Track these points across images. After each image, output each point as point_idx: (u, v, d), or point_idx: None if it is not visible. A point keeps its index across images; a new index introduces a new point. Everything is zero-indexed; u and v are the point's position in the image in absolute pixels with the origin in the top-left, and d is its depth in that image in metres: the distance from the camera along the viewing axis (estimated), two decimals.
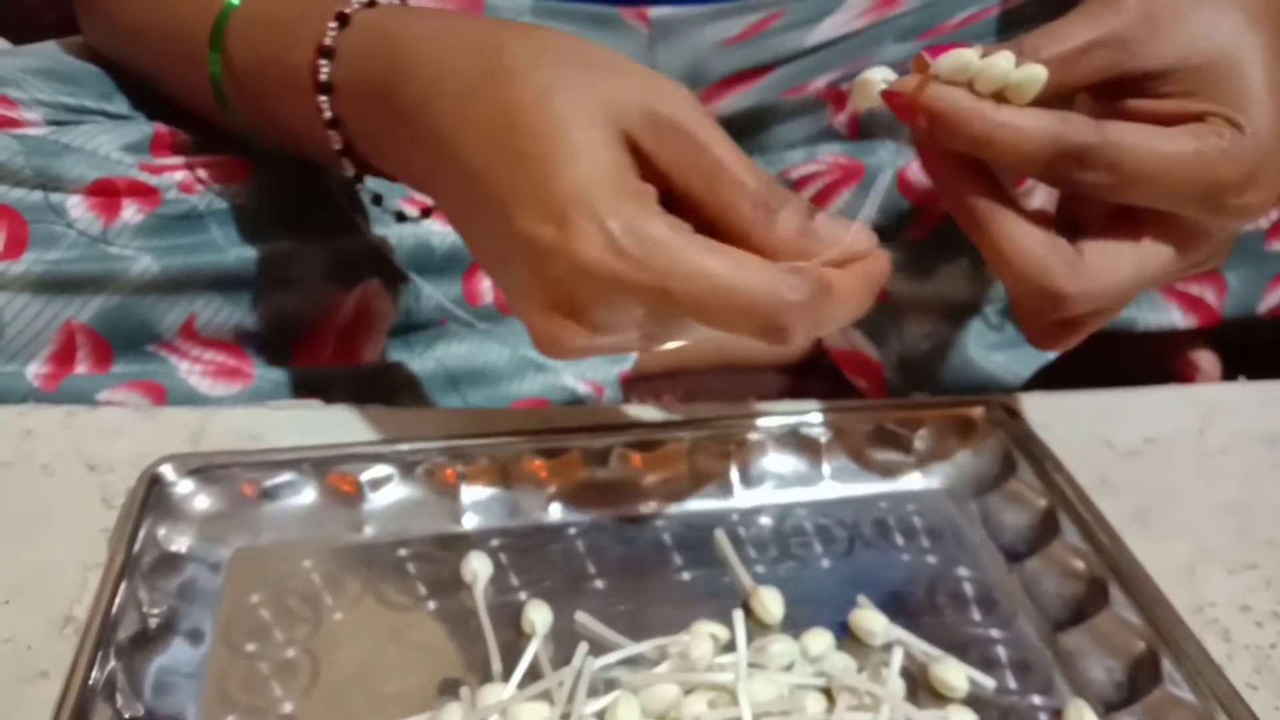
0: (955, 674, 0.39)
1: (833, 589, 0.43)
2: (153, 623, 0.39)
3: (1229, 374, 0.67)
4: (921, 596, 0.43)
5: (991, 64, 0.37)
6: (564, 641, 0.40)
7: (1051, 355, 0.64)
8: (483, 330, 0.60)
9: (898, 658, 0.39)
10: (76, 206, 0.49)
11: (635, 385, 0.65)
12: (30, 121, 0.50)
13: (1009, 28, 0.62)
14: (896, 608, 0.42)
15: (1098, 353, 0.63)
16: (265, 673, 0.39)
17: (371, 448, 0.46)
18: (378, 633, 0.40)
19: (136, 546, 0.40)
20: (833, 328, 0.36)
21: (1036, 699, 0.39)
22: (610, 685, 0.38)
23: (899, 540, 0.46)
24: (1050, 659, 0.41)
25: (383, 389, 0.57)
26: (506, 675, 0.38)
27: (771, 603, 0.41)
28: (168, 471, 0.44)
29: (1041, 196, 0.46)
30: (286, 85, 0.45)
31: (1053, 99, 0.39)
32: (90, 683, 0.35)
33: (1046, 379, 0.63)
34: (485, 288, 0.60)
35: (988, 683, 0.39)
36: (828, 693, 0.38)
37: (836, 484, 0.48)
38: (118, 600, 0.38)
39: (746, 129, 0.64)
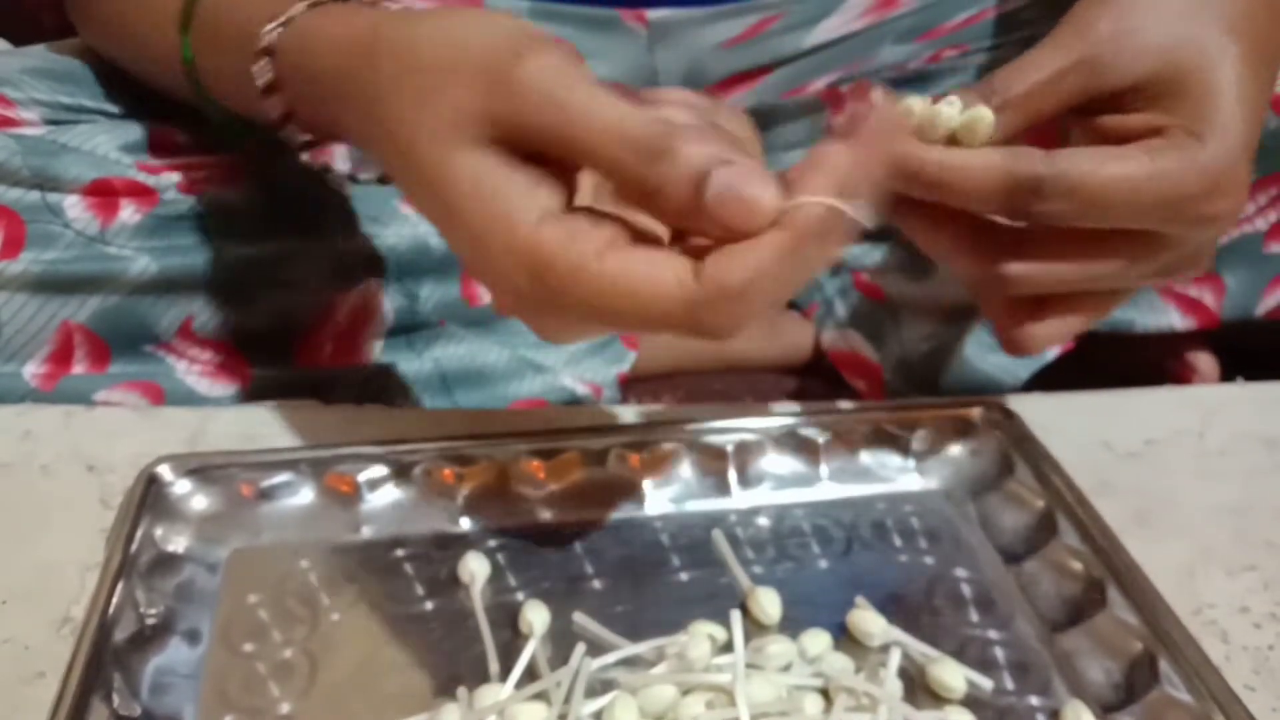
0: (953, 675, 0.39)
1: (830, 590, 0.43)
2: (150, 623, 0.39)
3: (1227, 376, 0.67)
4: (919, 597, 0.43)
5: (934, 111, 0.39)
6: (562, 642, 0.40)
7: (1050, 356, 0.64)
8: (481, 331, 0.60)
9: (895, 658, 0.39)
10: (74, 206, 0.49)
11: (633, 386, 0.65)
12: (28, 121, 0.50)
13: (1006, 29, 0.62)
14: (894, 608, 0.42)
15: (1096, 354, 0.63)
16: (263, 673, 0.39)
17: (369, 448, 0.46)
18: (375, 633, 0.40)
19: (134, 547, 0.40)
20: (765, 312, 0.33)
21: (1034, 700, 0.39)
22: (608, 686, 0.38)
23: (897, 541, 0.46)
24: (1048, 660, 0.40)
25: (380, 389, 0.57)
26: (504, 676, 0.38)
27: (769, 603, 0.41)
28: (165, 472, 0.44)
29: None
30: (233, 56, 0.44)
31: (1029, 128, 0.40)
32: (88, 683, 0.35)
33: (1045, 380, 0.63)
34: (484, 289, 0.60)
35: (985, 684, 0.39)
36: (825, 693, 0.38)
37: (834, 485, 0.48)
38: (115, 600, 0.38)
39: None
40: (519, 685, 0.37)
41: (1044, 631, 0.42)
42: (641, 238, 0.33)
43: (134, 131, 0.52)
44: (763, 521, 0.46)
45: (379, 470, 0.45)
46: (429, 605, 0.42)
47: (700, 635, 0.39)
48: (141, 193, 0.50)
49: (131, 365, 0.52)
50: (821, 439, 0.48)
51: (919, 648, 0.40)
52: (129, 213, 0.50)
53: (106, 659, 0.36)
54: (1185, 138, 0.38)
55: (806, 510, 0.47)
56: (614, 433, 0.47)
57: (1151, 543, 0.44)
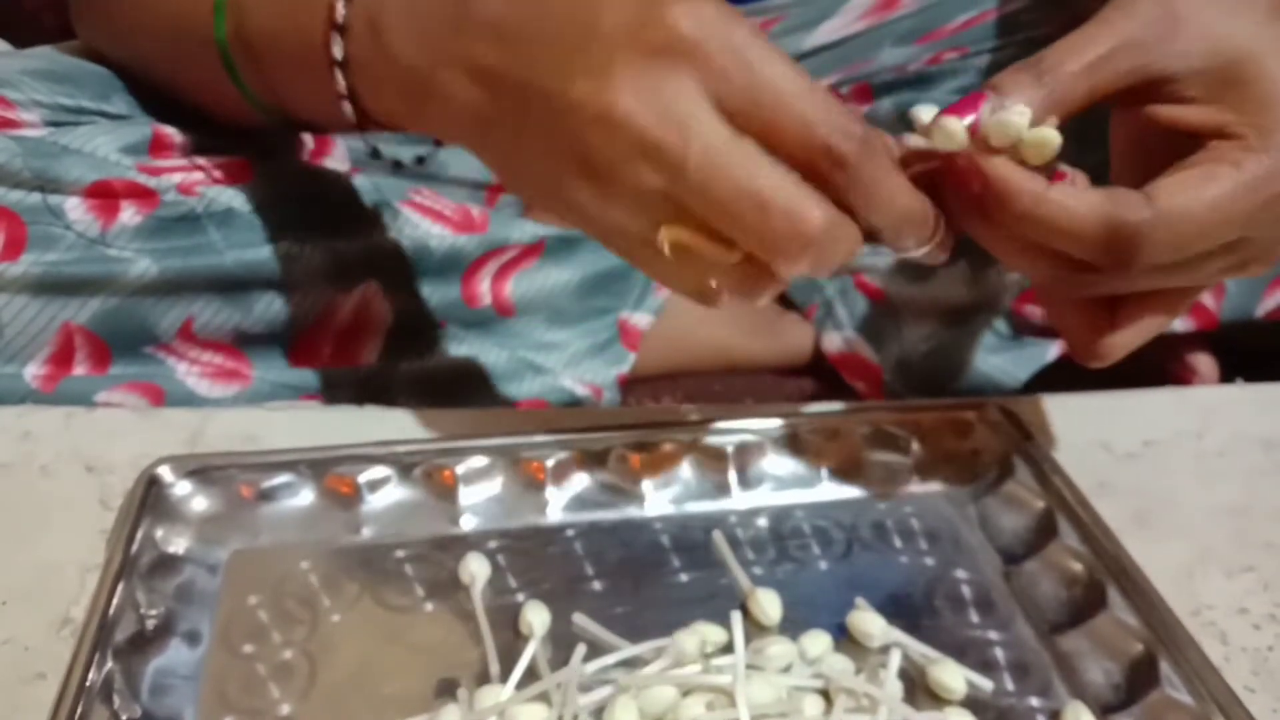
0: (953, 676, 0.39)
1: (831, 591, 0.43)
2: (150, 624, 0.39)
3: (1226, 377, 0.67)
4: (919, 598, 0.43)
5: (1001, 121, 0.37)
6: (562, 643, 0.40)
7: (1049, 357, 0.64)
8: (480, 332, 0.60)
9: (895, 660, 0.39)
10: (75, 208, 0.49)
11: (633, 387, 0.65)
12: (28, 123, 0.50)
13: (1007, 31, 0.62)
14: (894, 610, 0.42)
15: None
16: (263, 674, 0.39)
17: (369, 449, 0.46)
18: (375, 634, 0.40)
19: (134, 548, 0.40)
20: (868, 188, 0.35)
21: (1034, 701, 0.39)
22: (608, 687, 0.38)
23: (897, 542, 0.46)
24: (1048, 661, 0.40)
25: (381, 390, 0.57)
26: (504, 677, 0.38)
27: (769, 604, 0.41)
28: (166, 473, 0.44)
29: None
30: (295, 34, 0.44)
31: (1079, 112, 0.39)
32: (87, 684, 0.35)
33: (1044, 382, 0.63)
34: (483, 290, 0.60)
35: (986, 685, 0.39)
36: (826, 694, 0.38)
37: (834, 486, 0.48)
38: (115, 601, 0.38)
39: None
40: (519, 686, 0.38)
41: (1044, 632, 0.42)
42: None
43: (134, 133, 0.52)
44: (763, 522, 0.46)
45: (379, 471, 0.45)
46: (429, 606, 0.42)
47: (692, 632, 0.39)
48: (142, 194, 0.50)
49: (132, 366, 0.52)
50: (821, 440, 0.48)
51: (919, 649, 0.40)
52: (129, 214, 0.50)
53: (106, 660, 0.36)
54: (1258, 137, 0.38)
55: (806, 511, 0.47)
56: (614, 434, 0.47)
57: (1151, 544, 0.44)
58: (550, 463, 0.46)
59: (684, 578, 0.43)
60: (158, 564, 0.41)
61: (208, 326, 0.52)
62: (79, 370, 0.51)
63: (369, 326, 0.57)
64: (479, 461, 0.46)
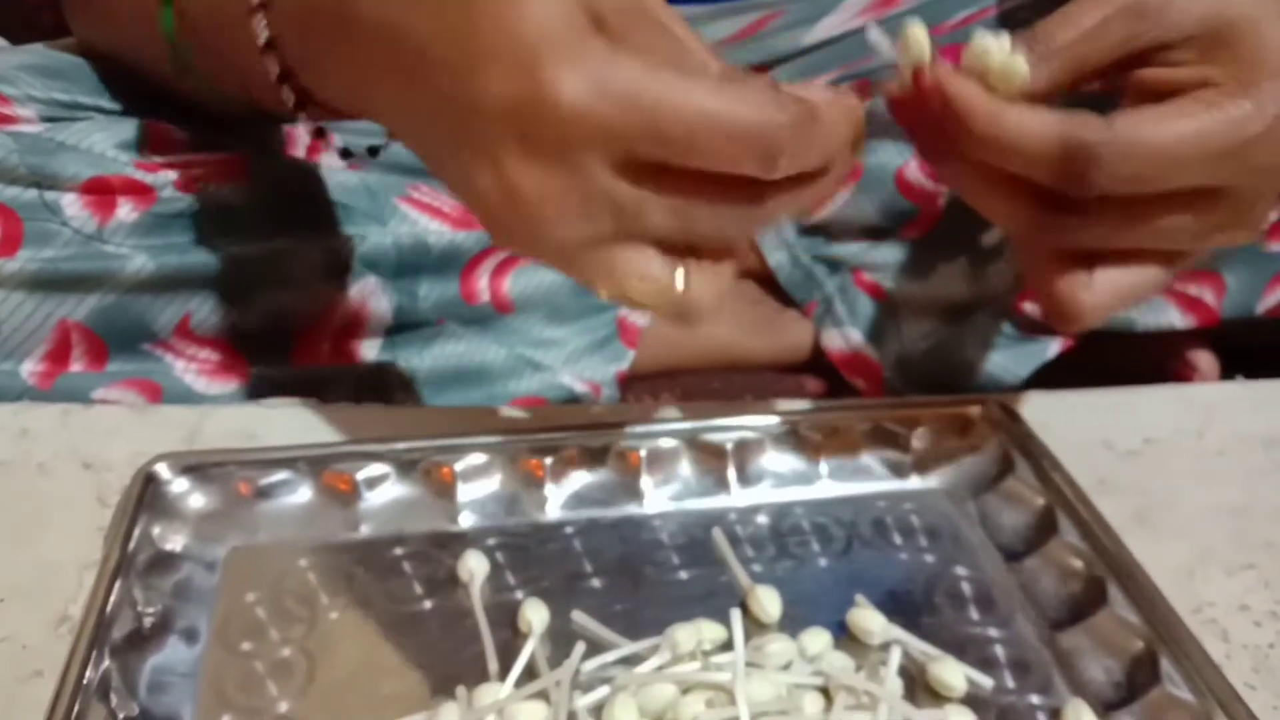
0: (953, 673, 0.39)
1: (830, 588, 0.43)
2: (148, 622, 0.39)
3: (1227, 374, 0.67)
4: (919, 596, 0.43)
5: (981, 46, 0.38)
6: (561, 640, 0.40)
7: (1050, 354, 0.64)
8: (479, 329, 0.60)
9: (895, 657, 0.39)
10: (71, 204, 0.49)
11: (632, 384, 0.65)
12: (24, 118, 0.50)
13: (1007, 28, 0.62)
14: (894, 607, 0.41)
15: (1096, 353, 0.63)
16: (261, 672, 0.38)
17: (367, 446, 0.45)
18: (374, 632, 0.40)
19: (132, 545, 0.40)
20: (817, 160, 0.35)
21: (1035, 698, 0.39)
22: (607, 684, 0.37)
23: (897, 539, 0.46)
24: (1048, 658, 0.40)
25: (379, 387, 0.57)
26: (503, 674, 0.38)
27: (769, 602, 0.41)
28: (163, 470, 0.43)
29: None
30: (229, 16, 0.43)
31: (1074, 84, 0.38)
32: (85, 682, 0.35)
33: (1045, 379, 0.63)
34: (482, 286, 0.60)
35: (986, 682, 0.39)
36: (825, 692, 0.38)
37: (834, 483, 0.48)
38: (113, 599, 0.38)
39: None
40: (518, 684, 0.37)
41: (1044, 630, 0.42)
42: None
43: (131, 129, 0.52)
44: (762, 520, 0.46)
45: (377, 468, 0.45)
46: (428, 604, 0.41)
47: (688, 626, 0.39)
48: (139, 191, 0.50)
49: (129, 363, 0.52)
50: (821, 437, 0.48)
51: (919, 646, 0.40)
52: (126, 211, 0.50)
53: (104, 658, 0.36)
54: (1238, 86, 0.37)
55: (806, 508, 0.47)
56: (613, 430, 0.47)
57: (1151, 541, 0.44)
58: (549, 460, 0.46)
59: (683, 575, 0.43)
60: (155, 561, 0.41)
61: (205, 323, 0.52)
62: (76, 367, 0.51)
63: (367, 323, 0.56)
64: (477, 459, 0.46)
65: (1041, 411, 0.50)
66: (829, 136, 0.35)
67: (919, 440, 0.49)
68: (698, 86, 0.32)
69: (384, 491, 0.45)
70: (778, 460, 0.48)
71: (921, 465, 0.49)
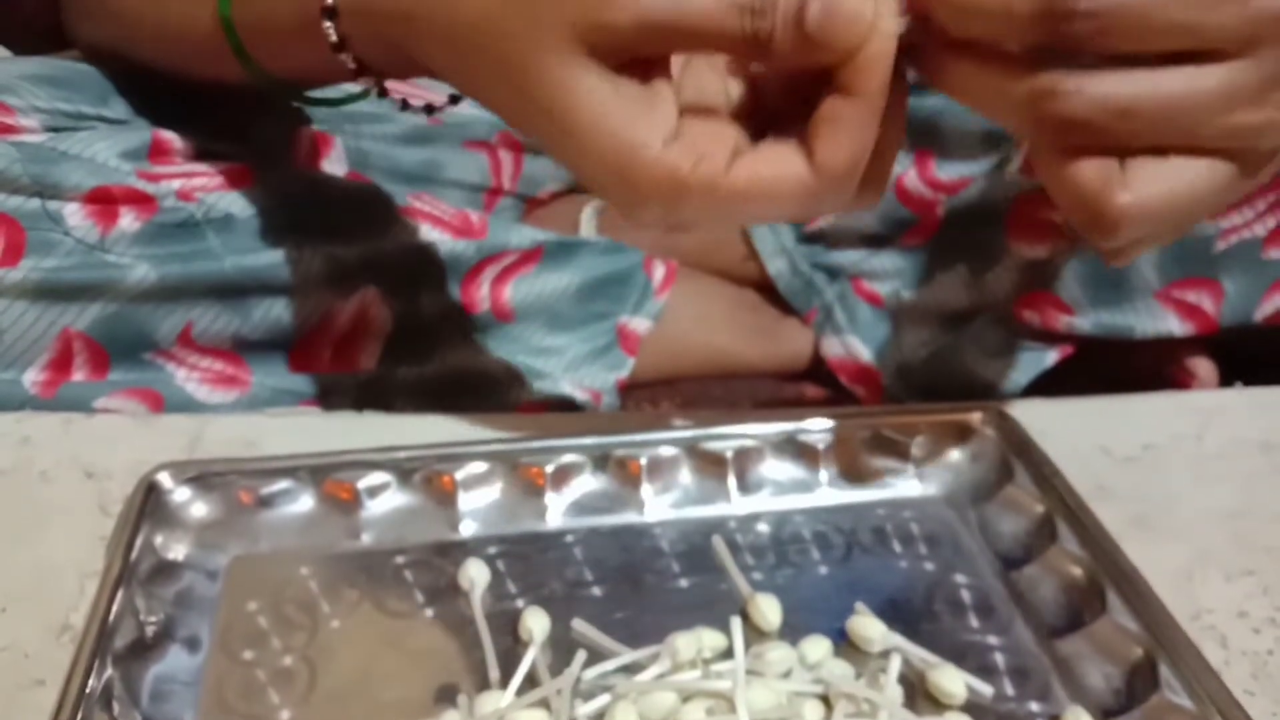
0: (953, 681, 0.39)
1: (830, 596, 0.43)
2: (150, 630, 0.39)
3: (1225, 382, 0.67)
4: (919, 603, 0.43)
5: None
6: (561, 649, 0.40)
7: (1049, 362, 0.64)
8: (480, 337, 0.60)
9: (895, 664, 0.39)
10: (74, 214, 0.49)
11: (633, 392, 0.65)
12: (27, 128, 0.50)
13: None
14: (894, 614, 0.42)
15: (1095, 360, 0.63)
16: (262, 680, 0.39)
17: (369, 455, 0.46)
18: (375, 640, 0.40)
19: (134, 554, 0.40)
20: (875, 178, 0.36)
21: (1034, 706, 0.39)
22: (608, 693, 0.38)
23: (896, 547, 0.46)
24: (1048, 665, 0.40)
25: (380, 396, 0.57)
26: (504, 683, 0.38)
27: (769, 610, 0.41)
28: (165, 479, 0.44)
29: None
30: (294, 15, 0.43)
31: None
32: (87, 691, 0.35)
33: (1044, 386, 0.63)
34: (483, 295, 0.60)
35: (985, 689, 0.39)
36: (825, 700, 0.38)
37: (834, 491, 0.48)
38: (115, 608, 0.38)
39: None
40: (519, 692, 0.37)
41: (1044, 637, 0.42)
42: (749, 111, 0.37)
43: (133, 138, 0.52)
44: (762, 527, 0.46)
45: (379, 477, 0.45)
46: (429, 612, 0.42)
47: (688, 634, 0.39)
48: (141, 200, 0.50)
49: (131, 373, 0.52)
50: (821, 445, 0.48)
51: (919, 653, 0.40)
52: (128, 220, 0.50)
53: (106, 666, 0.36)
54: None
55: (806, 516, 0.47)
56: (613, 439, 0.47)
57: (1150, 547, 0.44)
58: (550, 468, 0.46)
59: (684, 583, 0.43)
60: (157, 570, 0.41)
61: (207, 332, 0.53)
62: (78, 376, 0.51)
63: (368, 332, 0.57)
64: (478, 467, 0.46)
65: (1040, 419, 0.50)
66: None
67: (918, 448, 0.49)
68: (743, 170, 0.35)
69: (385, 500, 0.45)
70: (777, 468, 0.48)
71: (921, 472, 0.49)
